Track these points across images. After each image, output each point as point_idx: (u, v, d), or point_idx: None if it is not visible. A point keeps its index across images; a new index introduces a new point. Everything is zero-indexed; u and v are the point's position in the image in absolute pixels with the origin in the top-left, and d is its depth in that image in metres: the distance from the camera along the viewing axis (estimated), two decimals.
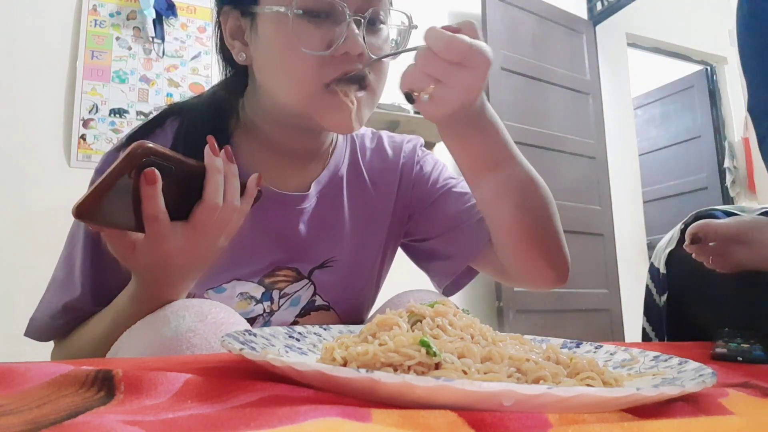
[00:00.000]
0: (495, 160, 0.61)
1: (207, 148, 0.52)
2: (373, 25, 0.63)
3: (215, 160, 0.52)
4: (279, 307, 0.69)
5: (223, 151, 0.53)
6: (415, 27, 0.65)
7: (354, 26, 0.60)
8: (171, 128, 0.69)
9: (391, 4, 0.68)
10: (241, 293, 0.66)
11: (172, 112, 0.71)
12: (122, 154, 0.45)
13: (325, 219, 0.72)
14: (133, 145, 0.45)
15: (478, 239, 0.72)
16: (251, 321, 0.67)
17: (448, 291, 0.79)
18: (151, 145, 0.46)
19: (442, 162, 0.82)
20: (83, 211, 0.45)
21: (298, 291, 0.70)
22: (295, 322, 0.69)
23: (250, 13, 0.64)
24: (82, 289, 0.63)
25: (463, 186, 0.77)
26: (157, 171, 0.47)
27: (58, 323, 0.64)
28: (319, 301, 0.71)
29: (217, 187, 0.52)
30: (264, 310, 0.68)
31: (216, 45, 0.71)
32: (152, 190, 0.47)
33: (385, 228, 0.77)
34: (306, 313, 0.70)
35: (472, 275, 0.78)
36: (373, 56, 0.61)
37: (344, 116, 0.61)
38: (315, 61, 0.59)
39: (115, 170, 0.45)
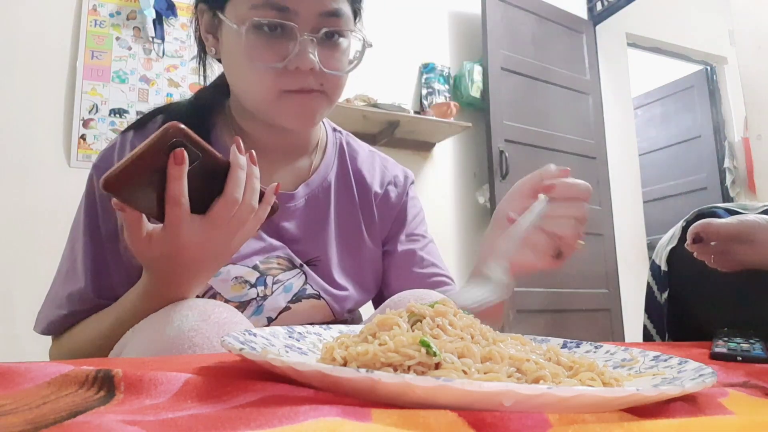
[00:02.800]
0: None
1: (233, 147, 0.54)
2: (330, 38, 0.67)
3: (240, 158, 0.54)
4: (272, 293, 0.71)
5: (248, 153, 0.55)
6: (370, 45, 0.70)
7: (306, 43, 0.63)
8: (159, 122, 0.73)
9: (358, 16, 0.72)
10: (236, 277, 0.68)
11: (160, 110, 0.76)
12: (155, 133, 0.47)
13: (311, 220, 0.76)
14: (167, 124, 0.47)
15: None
16: (245, 304, 0.69)
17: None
18: (182, 126, 0.47)
19: (423, 211, 0.86)
20: (110, 182, 0.46)
21: (290, 279, 0.72)
22: (287, 308, 0.72)
23: (218, 16, 0.68)
24: (84, 279, 0.65)
25: (427, 251, 0.82)
26: (185, 152, 0.48)
27: (62, 313, 0.66)
28: (309, 290, 0.73)
29: (238, 182, 0.54)
30: (258, 294, 0.70)
31: (195, 36, 0.76)
32: (179, 171, 0.48)
33: (366, 236, 0.80)
34: (297, 300, 0.73)
35: None
36: (325, 70, 0.65)
37: (299, 117, 0.67)
38: (270, 72, 0.64)
39: (147, 146, 0.46)
